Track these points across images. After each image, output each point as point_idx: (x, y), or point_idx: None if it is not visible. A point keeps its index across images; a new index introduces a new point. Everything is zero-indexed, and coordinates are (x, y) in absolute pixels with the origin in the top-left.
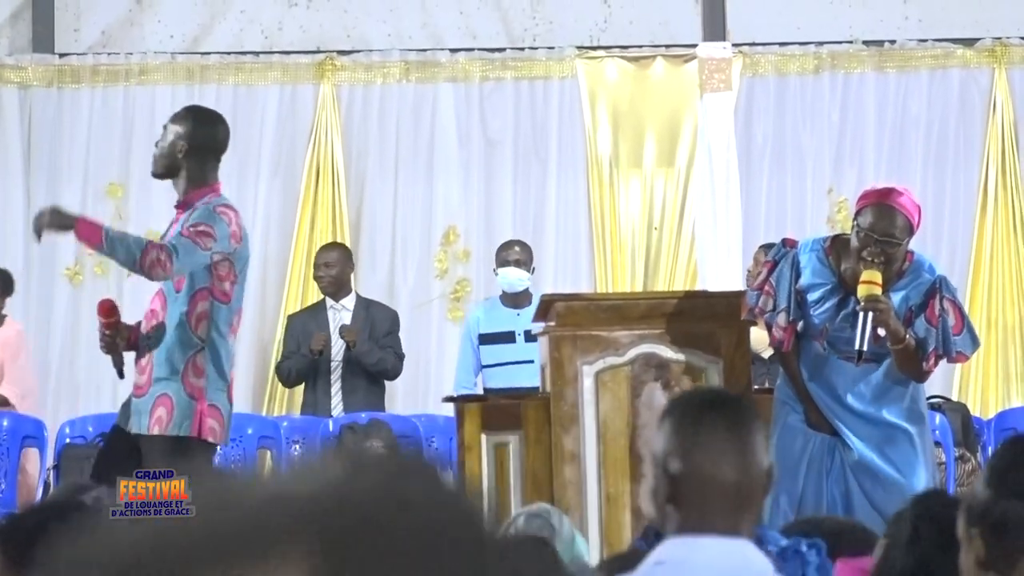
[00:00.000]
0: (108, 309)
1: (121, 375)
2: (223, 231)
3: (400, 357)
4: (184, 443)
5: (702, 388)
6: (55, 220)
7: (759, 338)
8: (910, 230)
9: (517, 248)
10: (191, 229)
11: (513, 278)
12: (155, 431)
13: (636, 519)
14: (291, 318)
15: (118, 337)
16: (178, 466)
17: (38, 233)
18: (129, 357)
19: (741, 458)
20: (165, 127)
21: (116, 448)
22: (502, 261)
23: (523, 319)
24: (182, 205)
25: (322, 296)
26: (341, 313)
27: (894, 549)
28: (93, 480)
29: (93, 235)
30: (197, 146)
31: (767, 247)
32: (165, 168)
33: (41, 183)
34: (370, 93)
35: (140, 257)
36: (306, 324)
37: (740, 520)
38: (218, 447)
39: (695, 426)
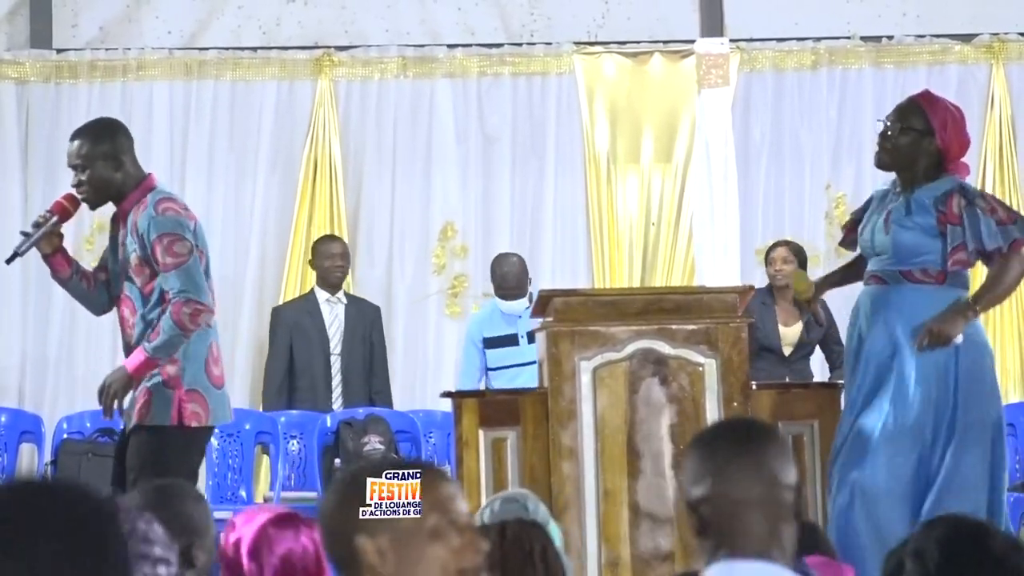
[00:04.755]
0: (72, 199)
1: (9, 260)
2: (181, 222)
3: (383, 348)
4: (165, 432)
5: (722, 420)
6: (118, 387)
7: (788, 335)
8: (914, 113)
9: (515, 271)
10: (165, 249)
11: (520, 309)
12: (135, 422)
13: (633, 514)
14: (278, 311)
15: (54, 227)
16: (163, 457)
17: (110, 410)
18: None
19: (762, 479)
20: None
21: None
22: (501, 292)
23: (524, 321)
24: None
25: (310, 289)
26: (337, 307)
27: None
28: (114, 487)
29: (146, 365)
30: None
31: (786, 244)
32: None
33: (38, 179)
34: (368, 89)
35: (179, 328)
36: (298, 317)
37: (772, 545)
38: (208, 429)
39: (712, 453)
